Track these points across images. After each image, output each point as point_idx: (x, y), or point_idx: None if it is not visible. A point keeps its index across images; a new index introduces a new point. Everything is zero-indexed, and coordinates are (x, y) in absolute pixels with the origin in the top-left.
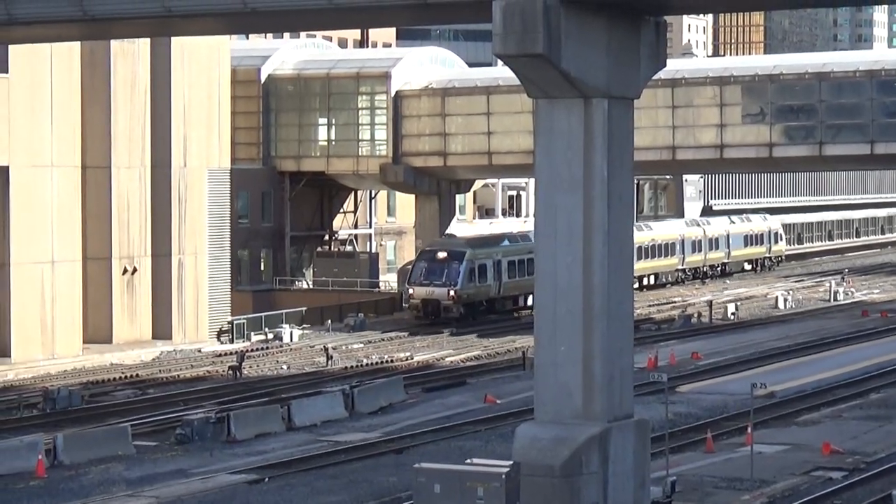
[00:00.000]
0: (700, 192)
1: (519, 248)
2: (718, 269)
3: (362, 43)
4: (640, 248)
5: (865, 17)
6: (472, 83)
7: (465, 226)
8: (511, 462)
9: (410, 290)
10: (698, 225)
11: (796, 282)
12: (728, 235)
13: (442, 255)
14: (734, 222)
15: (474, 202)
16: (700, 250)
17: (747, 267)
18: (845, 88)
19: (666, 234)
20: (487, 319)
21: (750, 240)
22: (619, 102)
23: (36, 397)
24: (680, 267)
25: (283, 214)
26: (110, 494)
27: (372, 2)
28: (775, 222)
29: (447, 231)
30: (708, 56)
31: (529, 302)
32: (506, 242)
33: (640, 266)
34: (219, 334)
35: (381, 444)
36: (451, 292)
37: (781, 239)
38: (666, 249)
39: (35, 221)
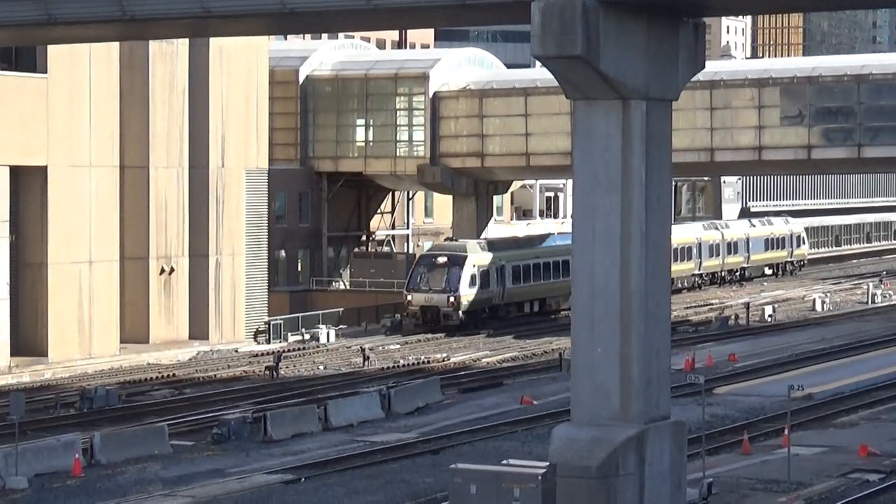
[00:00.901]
0: (738, 193)
1: (526, 254)
2: (737, 273)
3: (400, 44)
4: (527, 266)
5: None
6: (510, 84)
7: (502, 227)
8: (547, 463)
9: (409, 297)
10: (716, 228)
11: (834, 284)
12: (748, 239)
13: (442, 259)
14: (754, 225)
15: (512, 203)
16: (718, 254)
17: (768, 272)
18: (884, 90)
19: (681, 237)
20: (524, 320)
21: (771, 243)
22: (657, 104)
23: (73, 397)
24: (696, 272)
25: (321, 215)
26: (147, 494)
27: (410, 2)
28: (798, 225)
29: (483, 233)
30: (746, 58)
31: (536, 308)
32: (513, 247)
33: (528, 288)
34: (256, 334)
35: (417, 444)
36: (451, 299)
37: (804, 243)
38: (682, 254)
39: (73, 221)
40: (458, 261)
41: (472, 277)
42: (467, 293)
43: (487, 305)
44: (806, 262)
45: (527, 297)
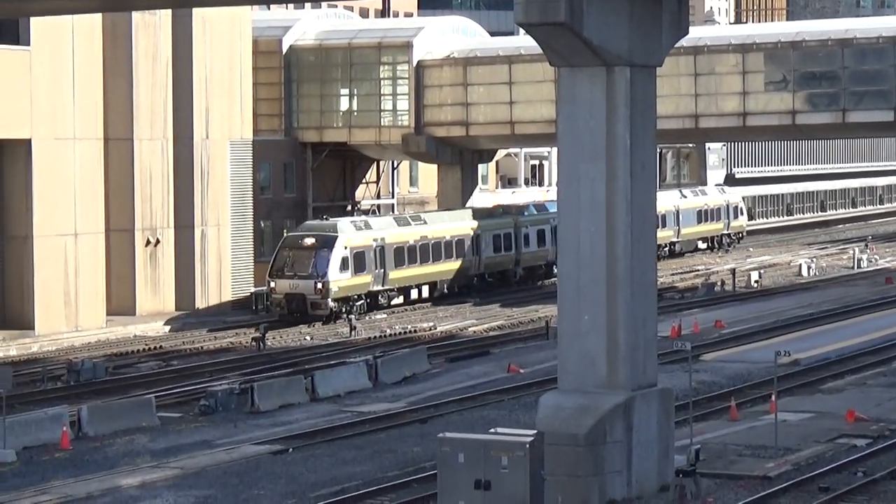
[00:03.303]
0: (723, 160)
1: (412, 232)
2: (666, 249)
3: (384, 13)
4: (413, 247)
5: None
6: (494, 52)
7: (487, 195)
8: (535, 431)
9: (272, 284)
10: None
11: (820, 249)
12: (678, 212)
13: (309, 241)
14: (685, 196)
15: (497, 172)
16: (515, 244)
17: (702, 245)
18: (868, 55)
19: (451, 226)
20: (509, 289)
21: (704, 215)
22: (641, 71)
23: (60, 369)
24: (474, 272)
25: (306, 185)
26: (135, 466)
27: None
28: (735, 195)
29: (469, 201)
30: (730, 23)
31: (425, 293)
32: (393, 225)
33: (413, 273)
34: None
35: (405, 414)
36: (319, 285)
37: (742, 213)
38: (449, 249)
39: (58, 194)
40: (327, 242)
41: (344, 261)
42: (338, 279)
43: (363, 292)
44: (744, 234)
45: (413, 281)
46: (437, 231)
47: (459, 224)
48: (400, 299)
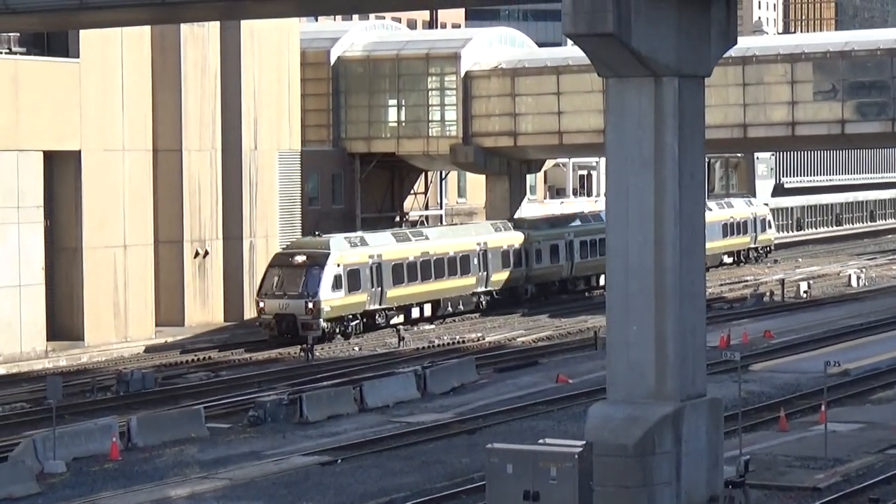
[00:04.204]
0: (771, 169)
1: (412, 249)
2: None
3: (431, 24)
4: (413, 264)
5: None
6: (541, 63)
7: (535, 206)
8: (584, 442)
9: (261, 304)
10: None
11: (869, 259)
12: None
13: (299, 259)
14: (711, 209)
15: (545, 182)
16: (521, 262)
17: (727, 260)
18: None
19: (456, 242)
20: (559, 299)
21: (730, 229)
22: (689, 81)
23: (109, 380)
24: (480, 289)
25: (354, 196)
26: (184, 476)
27: None
28: (762, 207)
29: (517, 212)
30: (779, 33)
31: (427, 312)
32: (391, 241)
33: (412, 291)
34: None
35: (453, 424)
36: (310, 305)
37: (770, 227)
38: (454, 266)
39: (107, 206)
40: (318, 260)
41: (337, 279)
42: (330, 298)
43: (359, 311)
44: (772, 248)
45: (413, 300)
46: (441, 247)
47: (464, 239)
48: (400, 318)
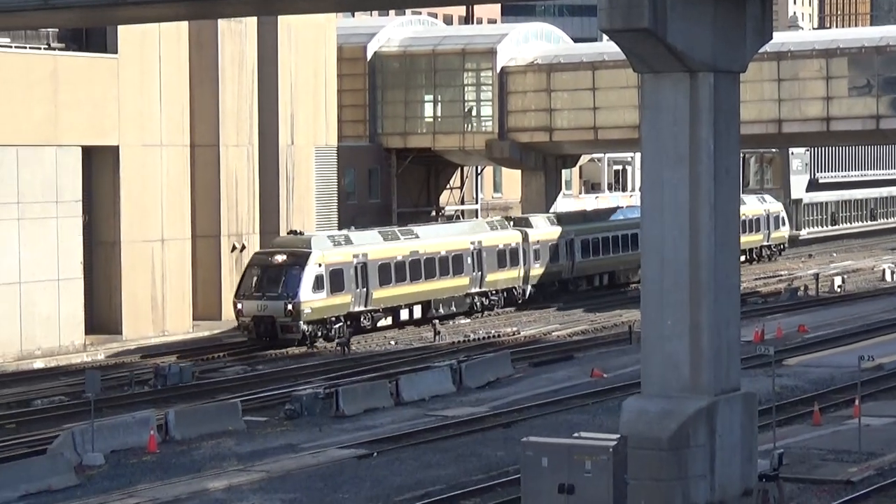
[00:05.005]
0: (806, 165)
1: (400, 248)
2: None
3: (467, 20)
4: (400, 264)
5: None
6: (577, 59)
7: (571, 201)
8: (618, 435)
9: (239, 306)
10: (515, 225)
11: None
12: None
13: (279, 258)
14: (549, 223)
15: (580, 177)
16: (518, 263)
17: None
18: None
19: (447, 241)
20: (595, 293)
21: (743, 226)
22: (724, 76)
23: (147, 374)
24: (474, 290)
25: (390, 191)
26: (221, 469)
27: None
28: (775, 204)
29: (553, 207)
30: (814, 28)
31: (417, 314)
32: (377, 239)
33: (400, 291)
34: None
35: (488, 418)
36: (290, 307)
37: (784, 224)
38: (446, 266)
39: (145, 200)
40: (299, 259)
41: (318, 279)
42: (310, 299)
43: (342, 314)
44: (786, 245)
45: (400, 301)
46: (431, 246)
47: (457, 238)
48: (388, 321)
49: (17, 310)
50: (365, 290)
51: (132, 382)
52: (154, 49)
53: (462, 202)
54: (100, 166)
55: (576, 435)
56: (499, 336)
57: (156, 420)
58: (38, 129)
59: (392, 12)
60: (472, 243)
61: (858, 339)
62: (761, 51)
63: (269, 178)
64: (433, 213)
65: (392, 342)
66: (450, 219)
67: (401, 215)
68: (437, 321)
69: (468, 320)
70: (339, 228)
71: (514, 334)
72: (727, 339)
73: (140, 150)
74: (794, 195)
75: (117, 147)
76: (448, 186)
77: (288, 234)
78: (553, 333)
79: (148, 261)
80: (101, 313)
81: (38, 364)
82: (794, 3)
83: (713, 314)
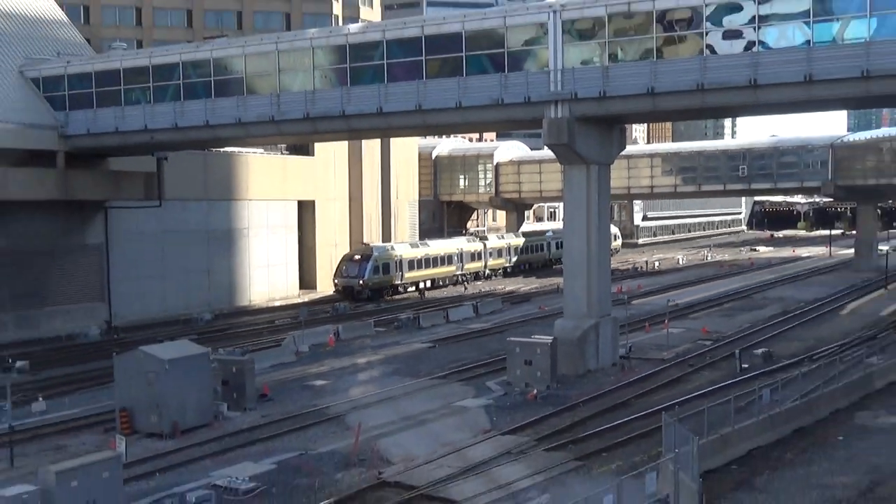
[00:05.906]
0: (642, 208)
1: (418, 251)
2: (500, 272)
3: (480, 138)
4: (419, 260)
5: (726, 121)
6: (533, 158)
7: (529, 225)
8: (553, 337)
9: (335, 281)
10: (481, 240)
11: (686, 252)
12: (508, 247)
13: (356, 257)
14: (518, 237)
15: (534, 214)
16: (481, 259)
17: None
18: (716, 158)
19: (444, 248)
20: (537, 272)
21: (531, 248)
22: (603, 167)
23: (327, 309)
24: (458, 273)
25: (443, 221)
26: (363, 354)
27: (493, 119)
28: (615, 229)
29: (523, 227)
30: (645, 142)
31: (429, 285)
32: (408, 248)
33: (419, 274)
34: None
35: (492, 329)
36: (360, 282)
37: (618, 238)
38: (444, 260)
39: (327, 227)
40: (366, 257)
41: (375, 268)
42: (371, 278)
43: (388, 285)
44: (620, 248)
45: (421, 278)
46: (435, 250)
47: (449, 246)
48: (413, 289)
49: (266, 277)
50: (400, 273)
51: (320, 313)
52: (331, 153)
53: (478, 226)
54: (305, 210)
55: (533, 336)
56: (495, 290)
57: (332, 330)
58: (277, 191)
59: (444, 136)
60: (458, 248)
61: (666, 292)
62: (621, 154)
63: (387, 216)
64: (463, 232)
65: (444, 292)
66: (473, 235)
67: (448, 232)
68: (465, 283)
69: (481, 282)
70: (420, 239)
71: (503, 288)
72: (604, 291)
73: (324, 202)
74: (636, 223)
75: (314, 201)
76: (471, 218)
77: (362, 244)
78: (521, 288)
79: (329, 252)
80: (306, 278)
81: (277, 303)
82: (635, 129)
83: (597, 278)
